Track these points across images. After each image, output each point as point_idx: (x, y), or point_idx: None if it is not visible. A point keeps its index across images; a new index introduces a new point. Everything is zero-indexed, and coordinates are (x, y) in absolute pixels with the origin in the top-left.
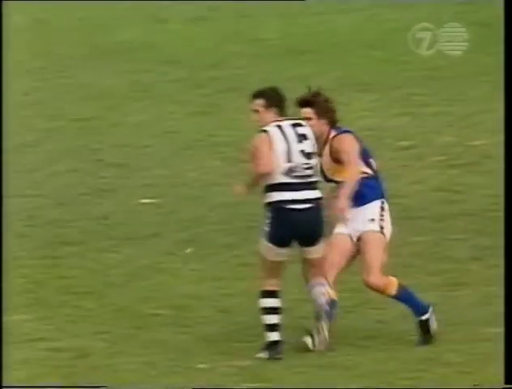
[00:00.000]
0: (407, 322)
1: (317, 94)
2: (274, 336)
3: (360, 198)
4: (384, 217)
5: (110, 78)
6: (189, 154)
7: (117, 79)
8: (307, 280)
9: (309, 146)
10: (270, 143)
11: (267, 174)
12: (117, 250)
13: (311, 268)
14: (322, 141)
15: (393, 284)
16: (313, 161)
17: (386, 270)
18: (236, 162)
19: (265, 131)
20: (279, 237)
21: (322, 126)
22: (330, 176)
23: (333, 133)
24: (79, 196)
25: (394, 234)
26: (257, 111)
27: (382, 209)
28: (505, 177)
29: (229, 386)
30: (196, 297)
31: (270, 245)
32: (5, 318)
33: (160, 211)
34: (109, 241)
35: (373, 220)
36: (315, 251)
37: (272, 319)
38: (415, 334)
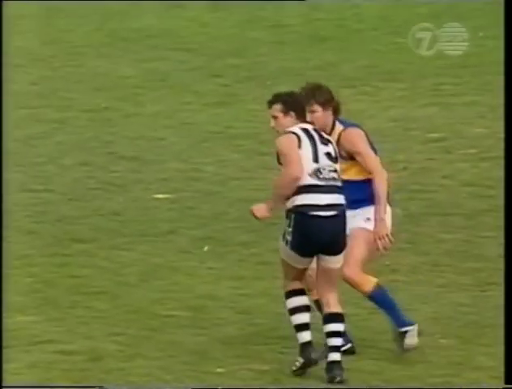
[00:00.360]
0: (436, 325)
1: (318, 86)
2: (306, 337)
3: (362, 201)
4: None
5: (124, 66)
6: (207, 147)
7: (130, 67)
8: (318, 292)
9: (333, 149)
10: (298, 144)
11: (299, 179)
12: (130, 247)
13: (323, 278)
14: (326, 133)
15: (370, 283)
16: (338, 165)
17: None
18: (256, 155)
19: (292, 133)
20: (303, 248)
21: (328, 117)
22: None
23: (339, 126)
24: (90, 191)
25: (422, 231)
26: (275, 117)
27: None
28: (506, 176)
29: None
30: (213, 298)
31: (294, 254)
32: (12, 320)
33: (175, 207)
34: (122, 239)
35: (368, 219)
36: (336, 261)
37: (302, 318)
38: (444, 337)
